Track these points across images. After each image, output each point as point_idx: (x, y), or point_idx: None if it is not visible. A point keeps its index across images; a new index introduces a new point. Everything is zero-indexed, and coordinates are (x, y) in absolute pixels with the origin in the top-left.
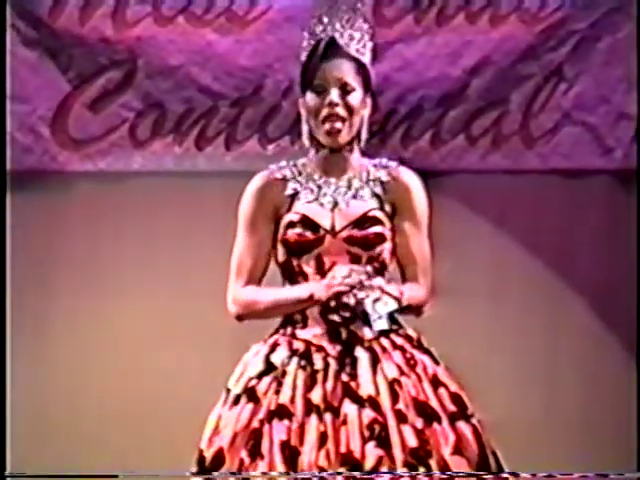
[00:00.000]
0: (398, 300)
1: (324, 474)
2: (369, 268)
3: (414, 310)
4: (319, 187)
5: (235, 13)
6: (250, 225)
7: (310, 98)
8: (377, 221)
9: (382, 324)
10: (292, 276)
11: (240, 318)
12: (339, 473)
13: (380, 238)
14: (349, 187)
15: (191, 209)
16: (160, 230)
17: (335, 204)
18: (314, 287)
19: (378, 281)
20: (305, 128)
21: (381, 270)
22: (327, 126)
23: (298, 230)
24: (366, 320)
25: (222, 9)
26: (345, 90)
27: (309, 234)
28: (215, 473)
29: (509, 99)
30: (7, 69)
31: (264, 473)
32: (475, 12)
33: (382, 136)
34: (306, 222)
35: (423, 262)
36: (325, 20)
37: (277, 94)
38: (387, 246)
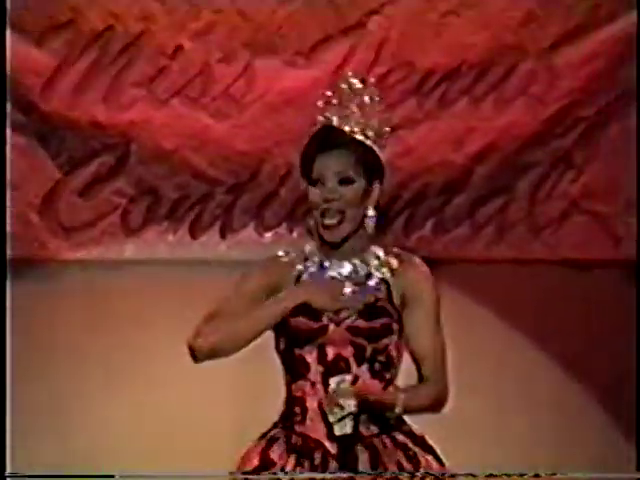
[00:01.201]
0: (387, 404)
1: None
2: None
3: (427, 409)
4: (324, 271)
5: (232, 96)
6: (246, 283)
7: (309, 191)
8: (384, 312)
9: (342, 428)
10: (292, 365)
11: (199, 356)
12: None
13: (387, 330)
14: (356, 273)
15: (184, 298)
16: (154, 319)
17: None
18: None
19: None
20: (311, 220)
21: (387, 365)
22: (325, 220)
23: (301, 318)
24: (329, 425)
25: (218, 92)
26: (344, 182)
27: (312, 322)
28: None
29: (514, 187)
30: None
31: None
32: (479, 97)
33: (384, 223)
34: (308, 310)
35: (436, 356)
36: (334, 102)
37: (275, 180)
38: (394, 339)
